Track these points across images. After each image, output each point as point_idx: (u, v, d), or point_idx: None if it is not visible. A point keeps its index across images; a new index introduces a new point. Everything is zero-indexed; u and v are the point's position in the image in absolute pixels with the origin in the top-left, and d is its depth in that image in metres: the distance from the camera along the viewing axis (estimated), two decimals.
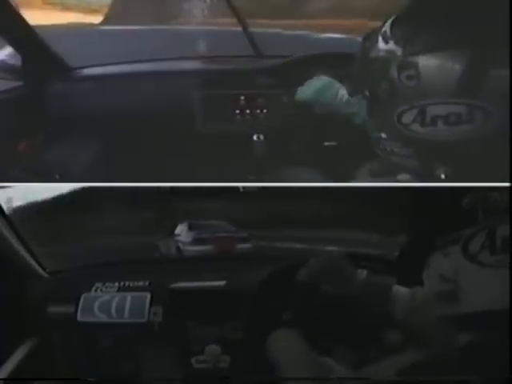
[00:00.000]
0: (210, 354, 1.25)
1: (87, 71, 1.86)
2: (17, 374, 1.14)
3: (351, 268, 1.02)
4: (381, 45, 0.82)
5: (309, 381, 0.98)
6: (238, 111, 1.62)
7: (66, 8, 5.20)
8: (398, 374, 0.80)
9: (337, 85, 1.28)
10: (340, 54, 1.58)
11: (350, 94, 1.13)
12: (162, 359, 1.29)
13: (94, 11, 5.09)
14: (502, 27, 0.74)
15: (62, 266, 1.53)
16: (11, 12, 1.46)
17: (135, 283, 1.33)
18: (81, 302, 1.29)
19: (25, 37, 1.56)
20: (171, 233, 4.89)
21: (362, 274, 1.01)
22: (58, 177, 1.57)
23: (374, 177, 0.99)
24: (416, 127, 0.79)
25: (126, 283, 1.33)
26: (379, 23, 0.86)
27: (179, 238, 4.75)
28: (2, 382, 1.14)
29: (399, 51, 0.78)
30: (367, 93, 0.87)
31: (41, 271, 1.38)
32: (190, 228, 4.77)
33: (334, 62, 1.35)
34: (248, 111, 1.62)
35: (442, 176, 0.84)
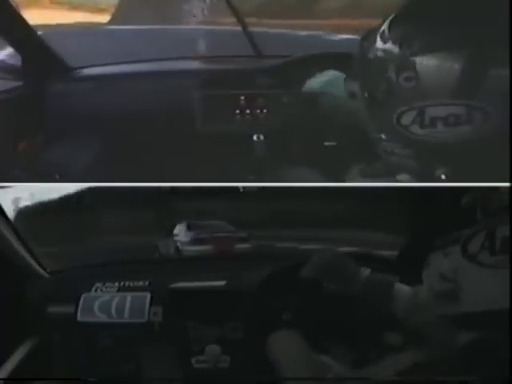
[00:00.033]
0: (209, 354, 1.25)
1: (87, 71, 1.86)
2: (17, 374, 1.14)
3: (354, 265, 1.02)
4: (379, 44, 0.82)
5: (309, 381, 0.98)
6: (238, 111, 1.62)
7: (73, 7, 5.20)
8: (400, 374, 0.80)
9: None
10: (340, 53, 1.57)
11: (349, 95, 1.13)
12: (161, 359, 1.29)
13: (101, 10, 5.09)
14: (501, 27, 0.74)
15: (62, 266, 1.53)
16: (11, 12, 1.46)
17: (135, 283, 1.33)
18: (81, 302, 1.29)
19: (25, 37, 1.56)
20: (170, 233, 4.89)
21: (365, 271, 1.01)
22: (57, 177, 1.57)
23: (374, 177, 0.99)
24: (415, 128, 0.79)
25: (126, 283, 1.33)
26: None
27: (178, 238, 4.75)
28: (2, 382, 1.14)
29: (398, 51, 0.78)
30: (366, 94, 0.87)
31: (41, 271, 1.38)
32: (189, 228, 4.77)
33: (334, 61, 1.34)
34: (248, 111, 1.62)
35: (443, 177, 0.84)
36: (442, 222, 1.09)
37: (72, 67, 1.83)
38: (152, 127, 1.68)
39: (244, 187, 3.85)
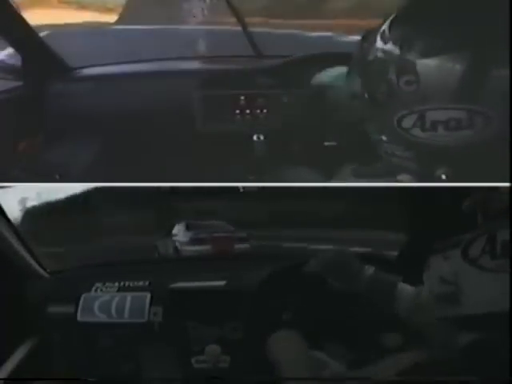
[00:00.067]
0: (209, 354, 1.25)
1: (87, 71, 1.85)
2: (17, 374, 1.15)
3: (359, 263, 1.02)
4: (379, 45, 0.81)
5: (309, 381, 0.98)
6: (238, 111, 1.62)
7: (82, 7, 5.21)
8: (401, 374, 0.80)
9: None
10: (340, 53, 1.57)
11: (350, 95, 1.13)
12: (162, 359, 1.29)
13: (109, 10, 5.10)
14: (502, 28, 0.73)
15: (62, 266, 1.53)
16: (11, 12, 1.46)
17: (135, 283, 1.33)
18: (81, 302, 1.29)
19: (25, 37, 1.56)
20: (169, 233, 4.89)
21: (369, 269, 1.01)
22: (57, 177, 1.56)
23: (375, 177, 0.99)
24: (417, 132, 0.78)
25: (126, 283, 1.33)
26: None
27: (177, 238, 4.75)
28: (2, 382, 1.14)
29: (398, 52, 0.77)
30: (366, 94, 0.87)
31: (41, 271, 1.38)
32: (188, 228, 4.77)
33: (335, 61, 1.34)
34: (248, 111, 1.61)
35: (443, 177, 0.84)
36: (442, 222, 1.09)
37: (72, 67, 1.82)
38: (152, 127, 1.68)
39: (244, 187, 3.85)
